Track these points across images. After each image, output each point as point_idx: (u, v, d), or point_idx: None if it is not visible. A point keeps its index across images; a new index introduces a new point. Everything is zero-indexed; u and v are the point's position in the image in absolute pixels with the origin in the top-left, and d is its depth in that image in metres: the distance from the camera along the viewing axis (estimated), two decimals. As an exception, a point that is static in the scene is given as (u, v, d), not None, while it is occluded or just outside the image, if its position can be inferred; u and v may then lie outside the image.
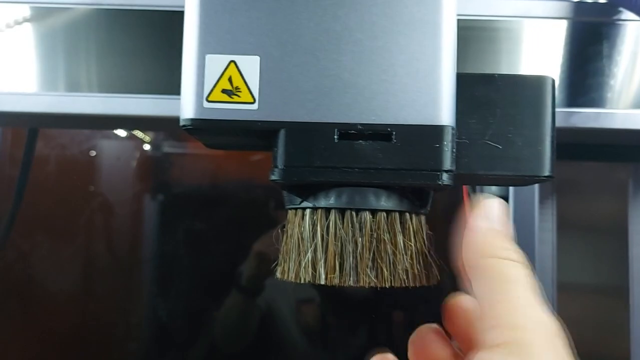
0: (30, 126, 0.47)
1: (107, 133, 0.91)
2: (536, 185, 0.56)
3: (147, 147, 0.94)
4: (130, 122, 0.45)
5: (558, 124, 0.38)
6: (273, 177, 0.29)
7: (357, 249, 0.28)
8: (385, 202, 0.29)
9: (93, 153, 0.91)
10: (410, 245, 0.29)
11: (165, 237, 0.92)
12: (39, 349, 0.89)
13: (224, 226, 0.91)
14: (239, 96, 0.28)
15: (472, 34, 0.40)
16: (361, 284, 0.28)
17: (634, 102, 0.39)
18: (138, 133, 0.92)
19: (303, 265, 0.29)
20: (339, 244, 0.28)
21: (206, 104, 0.28)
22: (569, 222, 0.55)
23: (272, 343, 0.89)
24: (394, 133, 0.28)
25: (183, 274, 0.91)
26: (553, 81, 0.30)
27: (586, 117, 0.38)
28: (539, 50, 0.40)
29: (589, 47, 0.40)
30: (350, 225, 0.29)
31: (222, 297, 0.86)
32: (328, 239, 0.29)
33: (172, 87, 0.38)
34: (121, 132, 0.91)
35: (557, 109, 0.38)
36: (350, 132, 0.28)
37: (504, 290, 0.24)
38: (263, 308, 0.88)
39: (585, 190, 0.58)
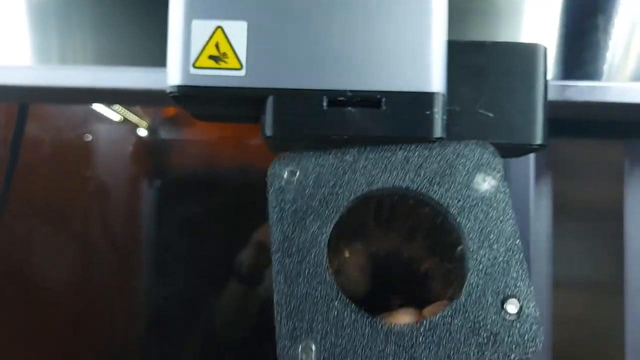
0: (21, 101, 0.46)
1: (103, 117, 0.91)
2: (532, 165, 0.55)
3: (144, 132, 0.94)
4: (123, 95, 0.44)
5: (552, 97, 0.37)
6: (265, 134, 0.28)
7: None
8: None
9: (89, 137, 0.90)
10: None
11: (163, 224, 0.92)
12: (35, 334, 0.89)
13: (223, 213, 0.91)
14: (226, 62, 0.28)
15: (471, 6, 0.40)
16: None
17: (629, 76, 0.39)
18: (133, 117, 0.92)
19: None
20: None
21: (193, 70, 0.28)
22: (566, 202, 0.55)
23: (272, 331, 0.89)
24: (383, 100, 0.28)
25: (181, 260, 0.90)
26: (545, 49, 0.30)
27: (581, 90, 0.38)
28: (535, 23, 0.40)
29: (585, 19, 0.39)
30: None
31: (221, 283, 0.86)
32: None
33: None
34: (117, 117, 0.91)
35: (551, 82, 0.38)
36: (340, 99, 0.28)
37: None
38: (263, 297, 0.87)
39: (582, 170, 0.57)
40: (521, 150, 0.31)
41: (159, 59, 0.38)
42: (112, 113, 0.91)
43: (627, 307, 0.55)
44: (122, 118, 0.91)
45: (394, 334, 0.20)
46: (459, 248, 0.24)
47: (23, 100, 0.47)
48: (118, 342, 0.92)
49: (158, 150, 0.95)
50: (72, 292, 0.90)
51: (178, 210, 0.91)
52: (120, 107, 0.90)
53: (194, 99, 0.29)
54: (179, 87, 0.28)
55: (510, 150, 0.31)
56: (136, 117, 0.92)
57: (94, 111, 0.89)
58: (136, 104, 0.86)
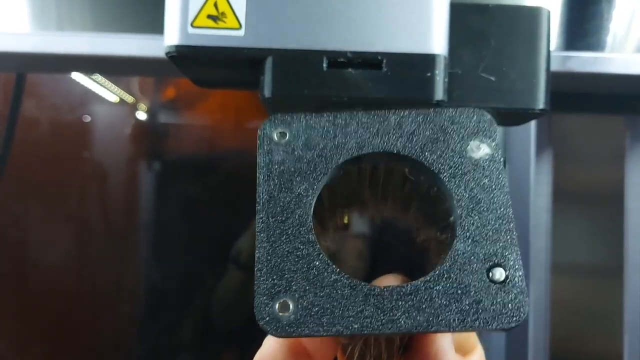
0: (18, 70, 0.46)
1: (102, 99, 0.90)
2: (532, 148, 0.55)
3: (143, 115, 0.94)
4: (122, 64, 0.43)
5: (554, 68, 0.37)
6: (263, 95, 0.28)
7: None
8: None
9: (88, 119, 0.90)
10: None
11: (161, 206, 0.92)
12: (30, 313, 0.88)
13: (221, 196, 0.90)
14: (224, 22, 0.27)
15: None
16: None
17: (632, 47, 0.38)
18: (129, 97, 0.91)
19: None
20: None
21: (191, 30, 0.27)
22: (566, 181, 0.55)
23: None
24: (384, 61, 0.27)
25: (179, 243, 0.90)
26: (549, 12, 0.30)
27: (583, 61, 0.37)
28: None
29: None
30: None
31: (218, 266, 0.86)
32: None
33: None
34: (115, 98, 0.90)
35: (554, 53, 0.38)
36: (340, 60, 0.27)
37: None
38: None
39: (583, 154, 0.57)
40: (523, 115, 0.30)
41: (159, 27, 0.38)
42: (111, 95, 0.90)
43: (627, 291, 0.55)
44: (119, 99, 0.91)
45: (373, 296, 0.20)
46: (451, 217, 0.23)
47: (20, 69, 0.47)
48: (114, 323, 0.92)
49: (157, 133, 0.95)
50: (68, 273, 0.90)
51: (176, 193, 0.91)
52: (119, 89, 0.90)
53: (191, 60, 0.28)
54: (176, 47, 0.28)
55: (512, 116, 0.30)
56: (135, 99, 0.92)
57: (93, 93, 0.89)
58: (136, 74, 0.85)
